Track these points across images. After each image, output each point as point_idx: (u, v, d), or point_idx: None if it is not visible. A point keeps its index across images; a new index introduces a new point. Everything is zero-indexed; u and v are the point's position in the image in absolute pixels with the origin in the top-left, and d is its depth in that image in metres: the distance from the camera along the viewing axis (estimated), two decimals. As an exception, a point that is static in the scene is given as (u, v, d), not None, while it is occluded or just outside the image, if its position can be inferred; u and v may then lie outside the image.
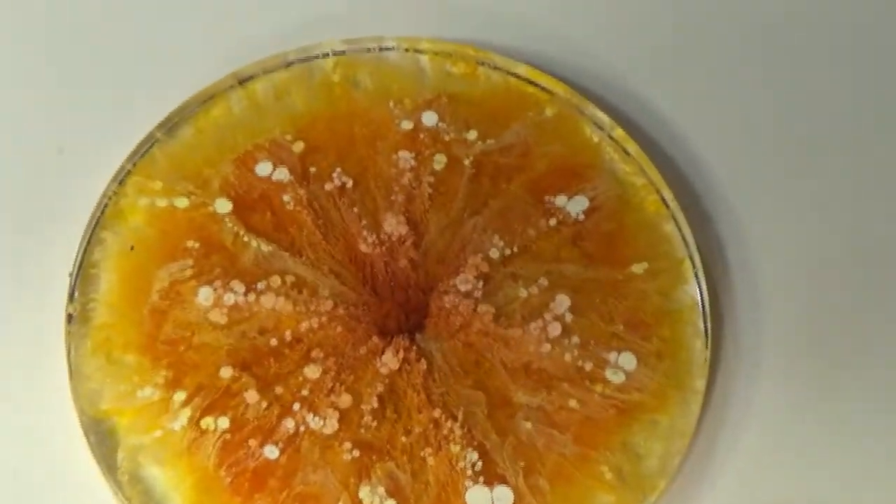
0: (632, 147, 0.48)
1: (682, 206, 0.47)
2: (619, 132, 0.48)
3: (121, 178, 0.47)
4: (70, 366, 0.44)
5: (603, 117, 0.48)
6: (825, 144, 0.50)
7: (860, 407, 0.45)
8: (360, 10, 0.52)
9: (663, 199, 0.47)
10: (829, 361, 0.46)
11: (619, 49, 0.52)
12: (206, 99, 0.48)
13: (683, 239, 0.46)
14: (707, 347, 0.44)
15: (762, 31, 0.52)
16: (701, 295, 0.45)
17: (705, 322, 0.45)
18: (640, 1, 0.53)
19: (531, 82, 0.49)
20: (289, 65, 0.49)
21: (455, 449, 0.42)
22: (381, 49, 0.50)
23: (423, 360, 0.44)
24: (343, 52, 0.50)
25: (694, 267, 0.46)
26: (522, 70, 0.49)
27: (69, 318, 0.44)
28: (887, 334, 0.47)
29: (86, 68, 0.51)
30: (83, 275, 0.45)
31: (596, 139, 0.48)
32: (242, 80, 0.49)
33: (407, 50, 0.50)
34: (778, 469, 0.44)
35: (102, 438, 0.43)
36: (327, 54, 0.49)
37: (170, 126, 0.48)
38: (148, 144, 0.47)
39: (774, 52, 0.52)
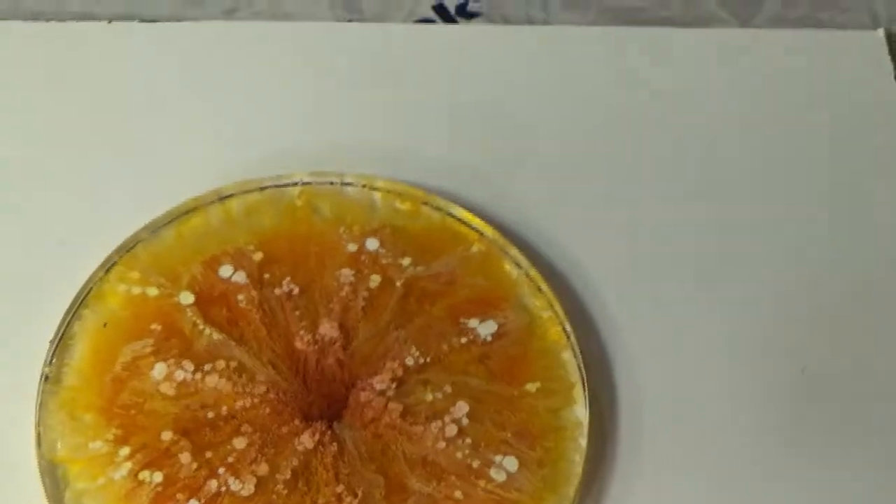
0: (544, 286, 0.53)
1: (579, 340, 0.51)
2: (534, 272, 0.53)
3: (108, 267, 0.52)
4: (38, 417, 0.48)
5: (522, 258, 0.53)
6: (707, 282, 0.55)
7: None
8: (327, 150, 0.57)
9: (565, 331, 0.52)
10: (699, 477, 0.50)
11: (545, 202, 0.57)
12: (189, 210, 0.54)
13: (578, 366, 0.51)
14: (583, 461, 0.48)
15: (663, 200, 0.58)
16: (588, 416, 0.49)
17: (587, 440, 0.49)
18: (572, 167, 0.58)
19: (464, 223, 0.54)
20: (263, 188, 0.55)
21: (351, 521, 0.46)
22: (342, 184, 0.55)
23: (335, 443, 0.48)
24: (309, 183, 0.55)
25: (584, 391, 0.50)
26: (458, 211, 0.54)
27: (45, 377, 0.49)
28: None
29: (94, 175, 0.56)
30: (62, 344, 0.50)
31: (514, 276, 0.53)
32: (223, 198, 0.54)
33: (364, 186, 0.55)
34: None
35: (55, 481, 0.48)
36: (296, 183, 0.55)
37: (155, 229, 0.53)
38: (134, 242, 0.53)
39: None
